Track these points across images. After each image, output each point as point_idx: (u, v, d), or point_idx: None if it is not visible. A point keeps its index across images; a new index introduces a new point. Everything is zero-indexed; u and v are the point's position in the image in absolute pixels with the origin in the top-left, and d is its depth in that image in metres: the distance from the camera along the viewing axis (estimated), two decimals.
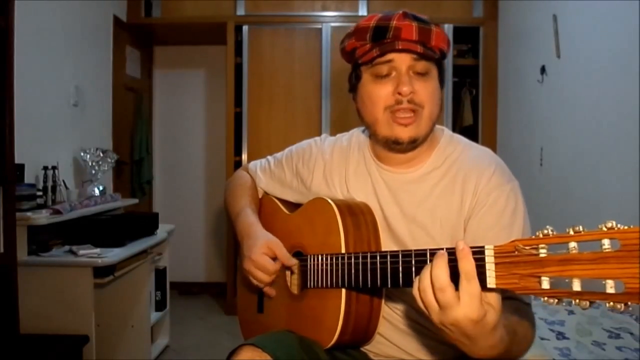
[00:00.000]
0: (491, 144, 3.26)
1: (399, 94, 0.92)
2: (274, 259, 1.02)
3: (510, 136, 3.14)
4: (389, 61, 0.94)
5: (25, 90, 2.08)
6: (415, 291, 0.70)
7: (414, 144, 0.96)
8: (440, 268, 0.66)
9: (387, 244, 1.00)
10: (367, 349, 1.04)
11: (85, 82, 2.81)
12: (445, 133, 1.05)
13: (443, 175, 0.98)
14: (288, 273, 1.08)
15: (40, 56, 2.37)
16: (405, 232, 0.98)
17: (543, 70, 2.62)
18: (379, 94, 0.95)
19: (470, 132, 3.33)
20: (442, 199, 0.96)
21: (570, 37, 2.37)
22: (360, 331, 0.97)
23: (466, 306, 0.65)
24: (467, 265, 0.65)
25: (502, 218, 0.91)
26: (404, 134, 0.94)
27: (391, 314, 1.01)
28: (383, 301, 0.99)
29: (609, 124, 2.04)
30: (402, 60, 0.93)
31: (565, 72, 2.42)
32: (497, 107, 3.35)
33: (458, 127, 3.40)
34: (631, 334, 1.60)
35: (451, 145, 1.02)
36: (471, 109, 3.44)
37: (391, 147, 0.98)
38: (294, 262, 1.03)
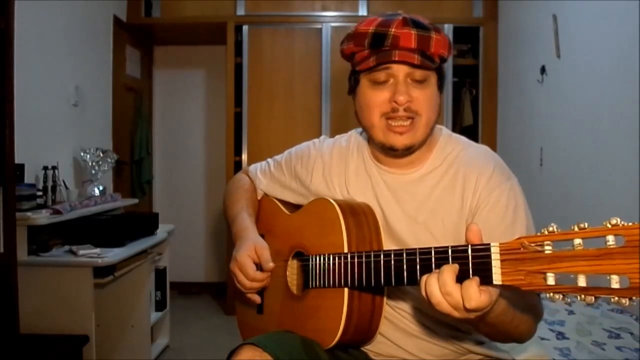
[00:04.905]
0: (491, 144, 3.25)
1: (395, 102, 0.93)
2: (258, 264, 1.02)
3: (510, 136, 3.15)
4: (387, 68, 0.94)
5: (25, 90, 2.08)
6: (423, 293, 0.72)
7: (409, 151, 0.97)
8: (448, 277, 0.70)
9: (388, 245, 0.99)
10: (368, 348, 1.04)
11: (85, 82, 2.81)
12: (443, 132, 1.05)
13: (443, 175, 0.98)
14: (289, 274, 1.08)
15: (40, 56, 2.37)
16: (408, 233, 0.98)
17: (543, 70, 2.62)
18: (375, 100, 0.96)
19: (470, 132, 3.32)
20: (443, 199, 0.97)
21: (570, 37, 2.37)
22: (362, 331, 0.97)
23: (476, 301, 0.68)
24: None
25: (505, 217, 0.92)
26: (399, 142, 0.95)
27: (392, 314, 1.01)
28: (385, 301, 0.99)
29: (609, 124, 2.04)
30: (399, 68, 0.93)
31: (565, 72, 2.42)
32: (497, 107, 3.35)
33: (458, 127, 3.40)
34: (631, 334, 1.60)
35: (450, 144, 1.02)
36: (471, 109, 3.44)
37: (387, 152, 1.00)
38: (271, 266, 1.02)
